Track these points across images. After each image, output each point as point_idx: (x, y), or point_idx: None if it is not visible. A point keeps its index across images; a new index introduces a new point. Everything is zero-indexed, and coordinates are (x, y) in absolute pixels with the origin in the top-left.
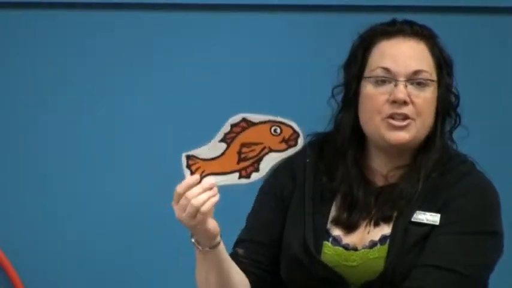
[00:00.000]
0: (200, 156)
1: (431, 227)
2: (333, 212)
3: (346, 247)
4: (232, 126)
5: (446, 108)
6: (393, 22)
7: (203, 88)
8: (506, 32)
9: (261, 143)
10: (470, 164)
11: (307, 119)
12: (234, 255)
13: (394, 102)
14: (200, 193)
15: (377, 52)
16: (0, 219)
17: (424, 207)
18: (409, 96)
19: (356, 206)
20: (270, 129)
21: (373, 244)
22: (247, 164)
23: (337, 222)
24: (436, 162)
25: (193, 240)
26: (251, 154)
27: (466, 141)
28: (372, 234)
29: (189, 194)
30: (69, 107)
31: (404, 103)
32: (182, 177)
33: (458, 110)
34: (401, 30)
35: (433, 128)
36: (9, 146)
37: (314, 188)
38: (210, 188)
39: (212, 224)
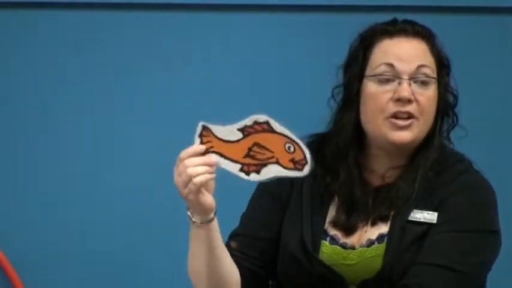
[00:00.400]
0: (215, 132)
1: (429, 225)
2: (331, 212)
3: (344, 246)
4: (255, 123)
5: (445, 107)
6: (394, 21)
7: (203, 88)
8: (506, 32)
9: (272, 152)
10: (467, 163)
11: (307, 119)
12: (226, 248)
13: (398, 100)
14: (199, 164)
15: (379, 50)
16: (0, 219)
17: (421, 205)
18: (413, 94)
19: (355, 207)
20: (285, 144)
21: (370, 243)
22: (252, 162)
23: (335, 224)
24: (433, 161)
25: (188, 213)
26: (259, 156)
27: (465, 141)
28: (369, 233)
29: (188, 161)
30: (69, 107)
31: (409, 101)
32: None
33: (456, 109)
34: (404, 30)
35: (433, 127)
36: (9, 146)
37: (312, 189)
38: (210, 165)
39: (207, 199)
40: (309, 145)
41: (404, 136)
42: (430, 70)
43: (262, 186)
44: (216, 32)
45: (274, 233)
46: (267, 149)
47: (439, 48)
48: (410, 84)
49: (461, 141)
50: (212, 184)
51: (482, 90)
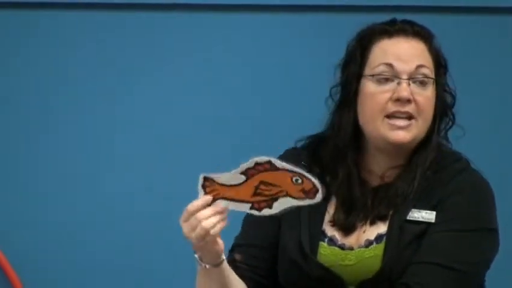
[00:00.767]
0: (217, 180)
1: (427, 224)
2: (329, 213)
3: (342, 247)
4: (256, 164)
5: (443, 107)
6: (393, 21)
7: (203, 88)
8: (506, 32)
9: (280, 187)
10: (465, 162)
11: (307, 118)
12: (231, 261)
13: (397, 100)
14: (211, 215)
15: (378, 50)
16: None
17: (419, 205)
18: (411, 94)
19: (353, 207)
20: (292, 178)
21: (369, 243)
22: (262, 199)
23: (334, 224)
24: (431, 161)
25: (196, 256)
26: (267, 192)
27: (465, 141)
28: (367, 233)
29: (200, 215)
30: (70, 107)
31: (408, 101)
32: (183, 179)
33: (454, 109)
34: (403, 30)
35: (431, 127)
36: (9, 146)
37: None
38: (221, 212)
39: (218, 244)
40: (304, 146)
41: (403, 136)
42: (429, 70)
43: None
44: (217, 32)
45: (276, 238)
46: (273, 185)
47: (437, 48)
48: (409, 84)
49: (459, 141)
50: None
51: (482, 90)
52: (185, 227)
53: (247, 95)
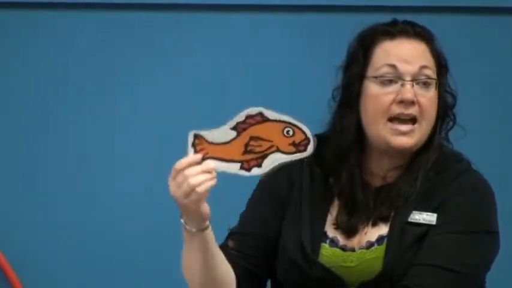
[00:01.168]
0: (207, 138)
1: (428, 226)
2: (331, 214)
3: (344, 248)
4: (247, 117)
5: (445, 108)
6: (395, 22)
7: (203, 88)
8: (506, 32)
9: (270, 141)
10: (466, 163)
11: (307, 119)
12: (224, 247)
13: (401, 102)
14: (199, 173)
15: (381, 51)
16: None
17: (420, 207)
18: (415, 96)
19: (356, 209)
20: (283, 129)
21: (370, 245)
22: (252, 157)
23: (337, 226)
24: (433, 162)
25: (182, 220)
26: (258, 149)
27: (466, 141)
28: (369, 234)
29: (187, 172)
30: (70, 107)
31: (412, 103)
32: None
33: (455, 110)
34: (405, 31)
35: (433, 128)
36: (9, 146)
37: (311, 191)
38: (210, 171)
39: (204, 207)
40: None
41: (405, 141)
42: (431, 71)
43: (262, 186)
44: (217, 32)
45: (272, 232)
46: (264, 139)
47: (438, 49)
48: (413, 86)
49: (461, 141)
50: (207, 192)
51: (482, 90)
52: (172, 186)
53: (247, 95)
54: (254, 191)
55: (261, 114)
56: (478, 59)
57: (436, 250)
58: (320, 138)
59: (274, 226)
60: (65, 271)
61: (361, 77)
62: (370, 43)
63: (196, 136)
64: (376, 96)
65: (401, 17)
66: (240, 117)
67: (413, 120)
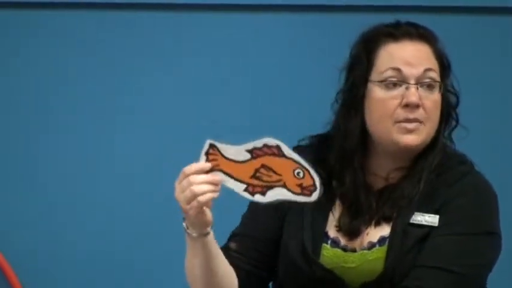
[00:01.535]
0: (222, 151)
1: (430, 228)
2: (333, 215)
3: (345, 248)
4: (265, 145)
5: (448, 109)
6: (397, 24)
7: (203, 88)
8: (506, 32)
9: (280, 175)
10: (469, 164)
11: (307, 118)
12: (225, 249)
13: (406, 106)
14: (203, 182)
15: (385, 54)
16: None
17: (422, 208)
18: (420, 99)
19: (359, 211)
20: (295, 169)
21: (371, 245)
22: (258, 183)
23: (340, 229)
24: (437, 163)
25: (184, 224)
26: (266, 178)
27: (466, 141)
28: (370, 235)
29: (193, 178)
30: (70, 107)
31: (417, 106)
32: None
33: (457, 110)
34: (408, 33)
35: (437, 129)
36: (9, 146)
37: None
38: (215, 183)
39: (206, 215)
40: (309, 145)
41: (412, 139)
42: (436, 74)
43: None
44: (217, 32)
45: (274, 234)
46: (274, 172)
47: (442, 50)
48: (417, 89)
49: (461, 141)
50: (210, 201)
51: (482, 91)
52: (177, 188)
53: (248, 95)
54: None
55: (278, 147)
56: (478, 59)
57: (438, 252)
58: (323, 138)
59: (276, 227)
60: (64, 271)
61: (365, 79)
62: (373, 45)
63: (211, 146)
64: (382, 101)
65: (401, 16)
66: (258, 143)
67: (418, 122)
